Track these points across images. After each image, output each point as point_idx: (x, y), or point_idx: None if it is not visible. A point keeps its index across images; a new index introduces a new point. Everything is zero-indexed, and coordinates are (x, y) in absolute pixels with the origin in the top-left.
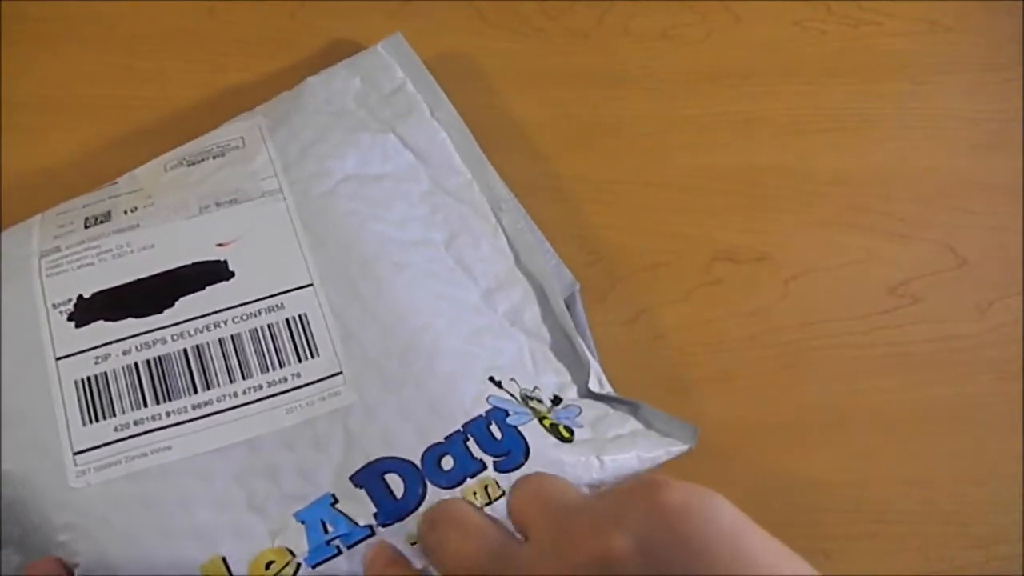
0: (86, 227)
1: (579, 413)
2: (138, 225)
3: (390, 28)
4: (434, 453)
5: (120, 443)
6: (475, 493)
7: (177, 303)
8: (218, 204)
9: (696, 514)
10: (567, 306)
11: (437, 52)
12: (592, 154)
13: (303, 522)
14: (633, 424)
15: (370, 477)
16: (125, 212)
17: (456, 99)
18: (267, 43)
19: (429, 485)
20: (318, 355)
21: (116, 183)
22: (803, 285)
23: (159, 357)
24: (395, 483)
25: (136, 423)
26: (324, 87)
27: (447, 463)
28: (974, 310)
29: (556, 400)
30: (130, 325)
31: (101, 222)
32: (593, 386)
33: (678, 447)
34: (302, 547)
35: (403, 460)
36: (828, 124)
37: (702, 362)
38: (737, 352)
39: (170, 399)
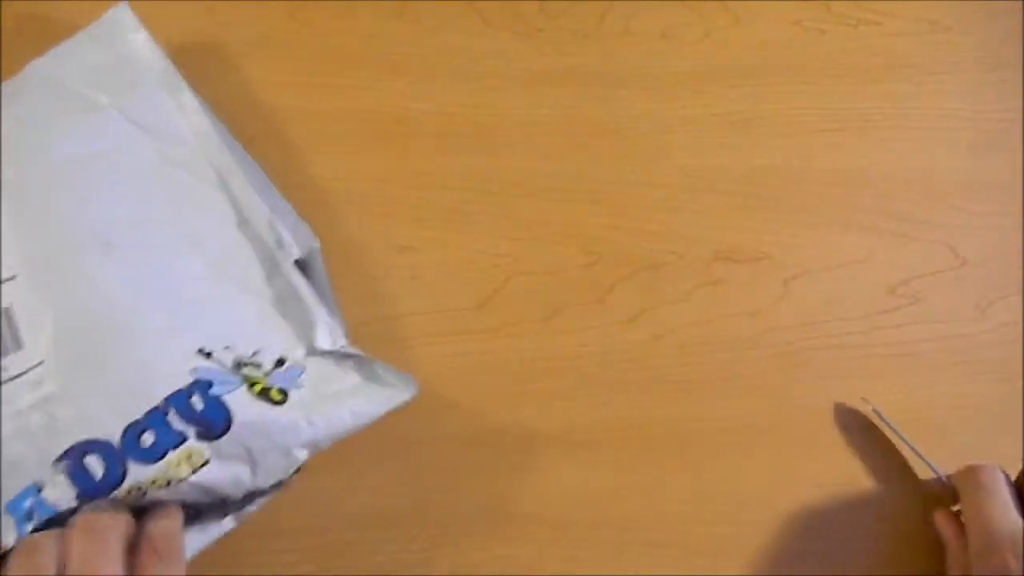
0: None
1: (301, 373)
2: None
3: (391, 28)
4: (134, 431)
5: None
6: (179, 464)
7: None
8: None
9: None
10: (306, 265)
11: (437, 52)
12: (592, 154)
13: (11, 513)
14: (354, 379)
15: (71, 461)
16: None
17: (454, 99)
18: (267, 43)
19: (129, 462)
20: (23, 347)
21: None
22: (803, 285)
23: None
24: (94, 465)
25: None
26: (46, 69)
27: (148, 439)
28: (974, 310)
29: (280, 362)
30: None
31: None
32: (323, 343)
33: (399, 399)
34: (11, 538)
35: (102, 441)
36: (828, 124)
37: (702, 362)
38: (737, 352)
39: None
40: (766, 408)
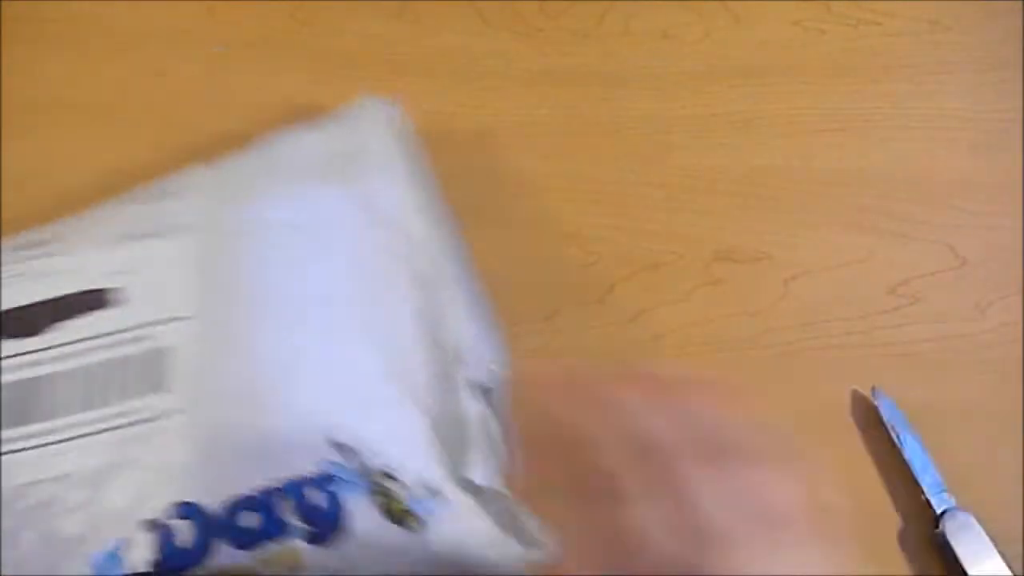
0: (15, 249)
1: (438, 502)
2: (50, 254)
3: (391, 28)
4: (238, 506)
5: None
6: (273, 561)
7: (54, 328)
8: (132, 237)
9: None
10: (489, 391)
11: (437, 52)
12: (592, 154)
13: (95, 568)
14: (493, 524)
15: (163, 523)
16: (48, 241)
17: (454, 99)
18: (267, 43)
19: (221, 542)
20: (169, 391)
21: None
22: (803, 285)
23: (22, 380)
24: (184, 532)
25: None
26: (290, 139)
27: (250, 519)
28: (974, 310)
29: (419, 483)
30: (6, 346)
31: (27, 248)
32: (475, 475)
33: (532, 559)
34: None
35: (202, 508)
36: (828, 124)
37: (702, 362)
38: (737, 352)
39: (23, 424)
40: (766, 408)
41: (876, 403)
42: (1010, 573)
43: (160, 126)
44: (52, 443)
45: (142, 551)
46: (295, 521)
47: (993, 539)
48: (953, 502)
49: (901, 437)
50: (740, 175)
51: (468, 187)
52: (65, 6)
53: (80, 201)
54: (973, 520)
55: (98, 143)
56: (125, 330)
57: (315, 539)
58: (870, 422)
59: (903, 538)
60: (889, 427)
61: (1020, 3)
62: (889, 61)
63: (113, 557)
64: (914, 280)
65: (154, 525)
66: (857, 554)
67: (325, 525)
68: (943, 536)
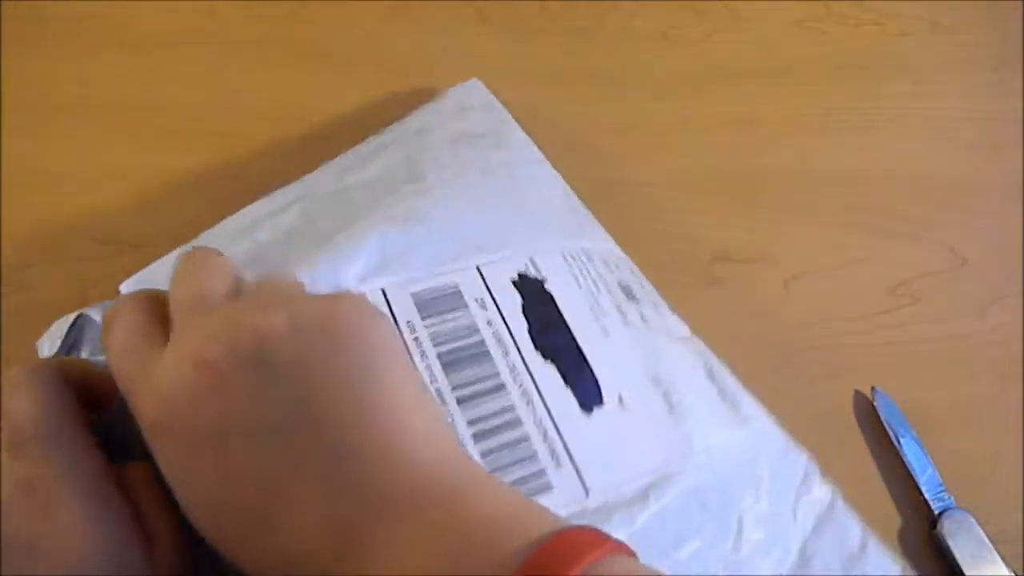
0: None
1: None
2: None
3: (391, 28)
4: None
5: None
6: None
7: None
8: None
9: (356, 325)
10: None
11: (437, 52)
12: (592, 154)
13: None
14: None
15: None
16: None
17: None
18: (267, 43)
19: None
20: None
21: None
22: (803, 285)
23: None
24: None
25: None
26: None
27: None
28: (974, 310)
29: None
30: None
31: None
32: None
33: None
34: None
35: None
36: (828, 124)
37: None
38: (737, 352)
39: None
40: (766, 408)
41: (875, 403)
42: (1008, 573)
43: (161, 126)
44: None
45: None
46: None
47: (992, 539)
48: (952, 502)
49: (900, 437)
50: (740, 175)
51: None
52: (67, 6)
53: (81, 202)
54: (972, 520)
55: (99, 143)
56: None
57: None
58: (870, 422)
59: (902, 538)
60: (888, 427)
61: (1020, 3)
62: (889, 61)
63: None
64: (914, 280)
65: None
66: None
67: None
68: (940, 536)
